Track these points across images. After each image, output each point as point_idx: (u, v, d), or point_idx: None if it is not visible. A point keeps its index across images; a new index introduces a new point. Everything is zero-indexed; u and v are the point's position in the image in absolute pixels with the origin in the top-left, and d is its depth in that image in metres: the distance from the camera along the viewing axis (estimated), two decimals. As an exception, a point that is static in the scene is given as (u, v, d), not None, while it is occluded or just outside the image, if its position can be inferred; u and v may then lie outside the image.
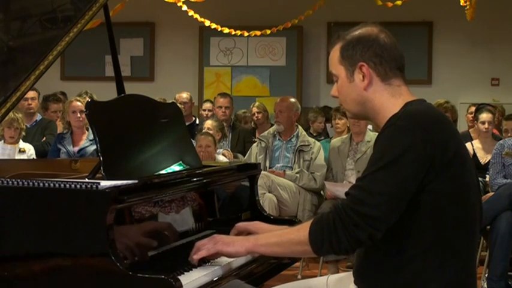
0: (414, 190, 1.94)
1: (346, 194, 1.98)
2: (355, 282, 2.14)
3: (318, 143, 5.64)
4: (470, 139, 6.52)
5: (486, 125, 6.09)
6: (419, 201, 1.95)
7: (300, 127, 5.74)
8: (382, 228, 1.93)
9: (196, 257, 2.23)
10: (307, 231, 2.00)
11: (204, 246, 2.22)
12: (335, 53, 2.16)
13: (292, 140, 5.61)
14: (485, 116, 6.13)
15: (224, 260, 2.34)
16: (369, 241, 1.93)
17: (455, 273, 2.00)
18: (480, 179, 5.84)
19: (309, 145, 5.52)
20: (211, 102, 7.69)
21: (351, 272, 2.20)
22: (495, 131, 6.61)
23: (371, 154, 2.04)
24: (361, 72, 2.10)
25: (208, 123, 6.07)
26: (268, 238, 2.14)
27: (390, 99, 2.09)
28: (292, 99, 5.81)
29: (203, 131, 5.78)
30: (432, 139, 1.94)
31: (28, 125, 6.23)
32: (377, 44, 2.09)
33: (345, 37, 2.14)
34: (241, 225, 2.40)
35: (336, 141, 5.60)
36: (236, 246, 2.17)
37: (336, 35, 2.19)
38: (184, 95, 7.51)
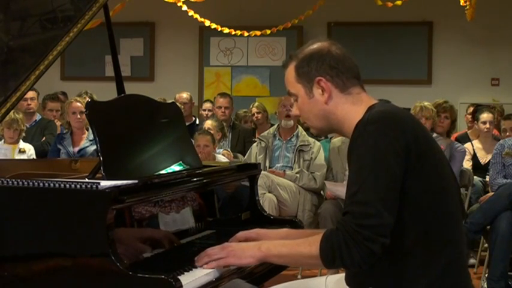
0: (400, 187, 1.96)
1: (345, 213, 1.98)
2: (347, 283, 2.15)
3: (317, 143, 5.63)
4: (469, 140, 6.52)
5: (487, 125, 6.09)
6: (401, 198, 1.96)
7: (300, 127, 5.74)
8: (388, 233, 1.93)
9: (207, 266, 2.22)
10: (318, 246, 2.00)
11: (215, 256, 2.20)
12: (290, 72, 2.19)
13: (292, 139, 5.61)
14: (485, 116, 6.14)
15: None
16: (381, 251, 1.93)
17: (443, 267, 2.01)
18: (480, 179, 5.89)
19: (308, 145, 5.52)
20: (211, 102, 7.69)
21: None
22: (495, 132, 6.61)
23: (350, 167, 2.03)
24: (319, 87, 2.13)
25: (208, 123, 6.07)
26: (279, 249, 2.12)
27: (352, 108, 2.13)
28: None
29: (202, 129, 5.77)
30: (403, 135, 1.97)
31: (28, 125, 6.22)
32: (330, 57, 2.13)
33: (297, 56, 2.18)
34: (241, 234, 2.39)
35: (336, 141, 5.60)
36: (247, 258, 2.15)
37: (288, 56, 2.24)
38: (185, 95, 7.50)
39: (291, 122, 5.62)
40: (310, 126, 2.25)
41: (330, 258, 1.97)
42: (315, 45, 2.18)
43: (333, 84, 2.13)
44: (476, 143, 6.23)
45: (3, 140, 5.73)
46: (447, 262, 2.02)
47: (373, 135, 1.97)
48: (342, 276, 2.34)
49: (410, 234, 1.99)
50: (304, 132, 5.69)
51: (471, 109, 7.37)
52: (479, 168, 6.05)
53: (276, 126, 5.82)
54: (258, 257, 2.14)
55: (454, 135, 6.71)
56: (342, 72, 2.13)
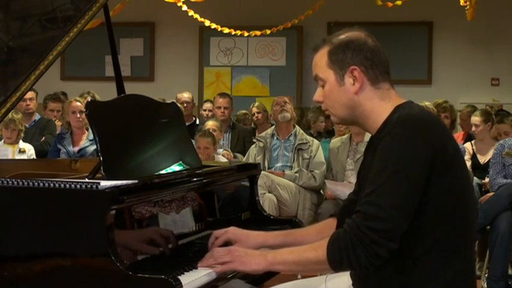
0: (420, 194, 1.93)
1: (357, 211, 1.96)
2: (354, 285, 2.14)
3: (316, 141, 5.63)
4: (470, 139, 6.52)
5: (473, 128, 6.12)
6: (421, 205, 1.94)
7: (297, 126, 5.74)
8: (398, 238, 1.92)
9: (212, 270, 2.22)
10: (325, 250, 1.99)
11: (220, 260, 2.20)
12: (322, 56, 2.15)
13: (290, 138, 5.60)
14: (472, 118, 6.17)
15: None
16: (387, 254, 1.92)
17: (455, 273, 2.00)
18: (477, 179, 5.88)
19: (307, 143, 5.51)
20: (211, 102, 7.68)
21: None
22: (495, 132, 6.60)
23: (372, 165, 2.00)
24: (352, 76, 2.09)
25: (211, 124, 6.06)
26: (285, 256, 2.11)
27: (380, 103, 2.09)
28: None
29: (203, 131, 5.76)
30: (431, 142, 1.94)
31: (27, 125, 6.22)
32: (367, 47, 2.09)
33: (331, 41, 2.14)
34: (217, 233, 2.39)
35: (335, 141, 5.60)
36: (253, 265, 2.14)
37: (321, 40, 2.19)
38: (186, 95, 7.49)
39: (288, 115, 5.61)
40: (333, 114, 2.18)
41: (338, 261, 1.97)
42: (352, 33, 2.13)
43: (365, 75, 2.08)
44: (476, 143, 6.23)
45: (3, 140, 5.73)
46: (459, 268, 2.00)
47: (400, 139, 1.94)
48: (341, 275, 2.34)
49: (426, 240, 1.97)
50: (301, 131, 5.70)
51: (466, 110, 7.34)
52: (478, 168, 6.04)
53: (273, 126, 5.82)
54: (264, 265, 2.13)
55: (459, 134, 6.73)
56: (376, 65, 2.09)
